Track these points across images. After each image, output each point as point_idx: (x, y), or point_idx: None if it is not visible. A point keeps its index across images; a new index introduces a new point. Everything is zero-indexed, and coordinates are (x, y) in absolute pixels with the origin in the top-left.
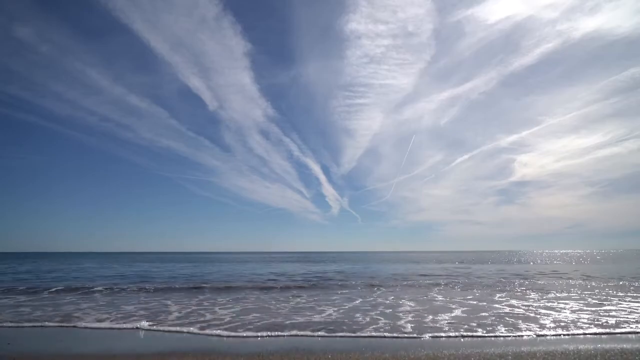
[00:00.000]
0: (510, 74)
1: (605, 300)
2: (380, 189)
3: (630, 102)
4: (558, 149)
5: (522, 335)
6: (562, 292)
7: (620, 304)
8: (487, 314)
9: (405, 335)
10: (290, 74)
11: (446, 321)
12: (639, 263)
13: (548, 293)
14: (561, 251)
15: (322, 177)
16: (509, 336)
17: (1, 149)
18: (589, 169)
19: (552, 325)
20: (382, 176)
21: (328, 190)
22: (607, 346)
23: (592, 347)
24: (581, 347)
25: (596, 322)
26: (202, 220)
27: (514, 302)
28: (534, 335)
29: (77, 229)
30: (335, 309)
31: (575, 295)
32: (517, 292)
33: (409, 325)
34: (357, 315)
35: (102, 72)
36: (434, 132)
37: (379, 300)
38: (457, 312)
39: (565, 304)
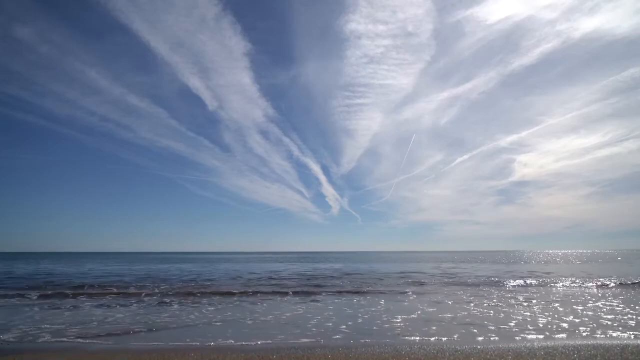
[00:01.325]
0: (510, 74)
1: (584, 302)
2: (380, 189)
3: (630, 102)
4: (558, 149)
5: (517, 338)
6: (541, 294)
7: (595, 306)
8: (450, 316)
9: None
10: (290, 74)
11: (396, 324)
12: (635, 263)
13: (524, 294)
14: (561, 251)
15: (322, 177)
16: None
17: (1, 149)
18: (588, 169)
19: (503, 329)
20: (382, 176)
21: (328, 190)
22: (607, 346)
23: (592, 347)
24: (581, 347)
25: (560, 327)
26: (202, 220)
27: (486, 302)
28: (533, 336)
29: (77, 229)
30: (289, 313)
31: (553, 298)
32: (496, 292)
33: (342, 334)
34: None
35: (102, 72)
36: (434, 132)
37: (351, 300)
38: (415, 315)
39: (540, 306)
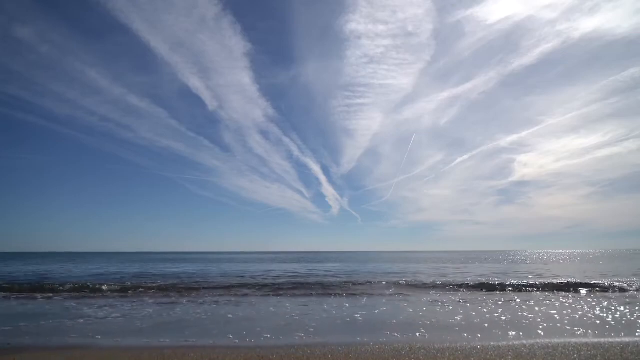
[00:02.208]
0: (509, 74)
1: (538, 303)
2: (380, 189)
3: (630, 102)
4: (558, 149)
5: (521, 336)
6: (505, 294)
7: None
8: (410, 311)
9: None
10: (290, 74)
11: (352, 321)
12: (627, 263)
13: (487, 295)
14: (560, 251)
15: (322, 177)
16: (508, 336)
17: (1, 149)
18: (589, 169)
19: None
20: (382, 176)
21: (328, 190)
22: (608, 346)
23: (592, 347)
24: (582, 347)
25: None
26: (202, 220)
27: (450, 300)
28: (534, 336)
29: (77, 229)
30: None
31: (513, 297)
32: (461, 294)
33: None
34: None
35: (102, 72)
36: (434, 132)
37: (327, 300)
38: (377, 311)
39: (490, 307)
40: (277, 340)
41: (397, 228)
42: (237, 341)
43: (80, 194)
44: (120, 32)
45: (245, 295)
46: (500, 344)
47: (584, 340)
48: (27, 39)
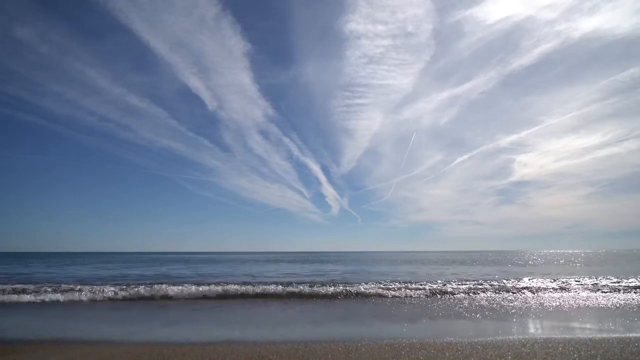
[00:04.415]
0: (509, 74)
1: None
2: (380, 189)
3: (630, 102)
4: (558, 149)
5: (522, 335)
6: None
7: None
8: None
9: None
10: (289, 74)
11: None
12: (623, 264)
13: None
14: (559, 251)
15: (322, 177)
16: (510, 335)
17: (1, 149)
18: (588, 169)
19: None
20: (382, 176)
21: (328, 190)
22: (607, 346)
23: (592, 347)
24: (581, 346)
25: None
26: (202, 220)
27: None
28: (534, 335)
29: (77, 229)
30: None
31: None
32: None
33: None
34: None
35: (102, 72)
36: (434, 132)
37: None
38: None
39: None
40: (277, 340)
41: (397, 228)
42: (237, 340)
43: (80, 194)
44: (120, 32)
45: (245, 295)
46: (500, 344)
47: (584, 339)
48: (27, 39)
